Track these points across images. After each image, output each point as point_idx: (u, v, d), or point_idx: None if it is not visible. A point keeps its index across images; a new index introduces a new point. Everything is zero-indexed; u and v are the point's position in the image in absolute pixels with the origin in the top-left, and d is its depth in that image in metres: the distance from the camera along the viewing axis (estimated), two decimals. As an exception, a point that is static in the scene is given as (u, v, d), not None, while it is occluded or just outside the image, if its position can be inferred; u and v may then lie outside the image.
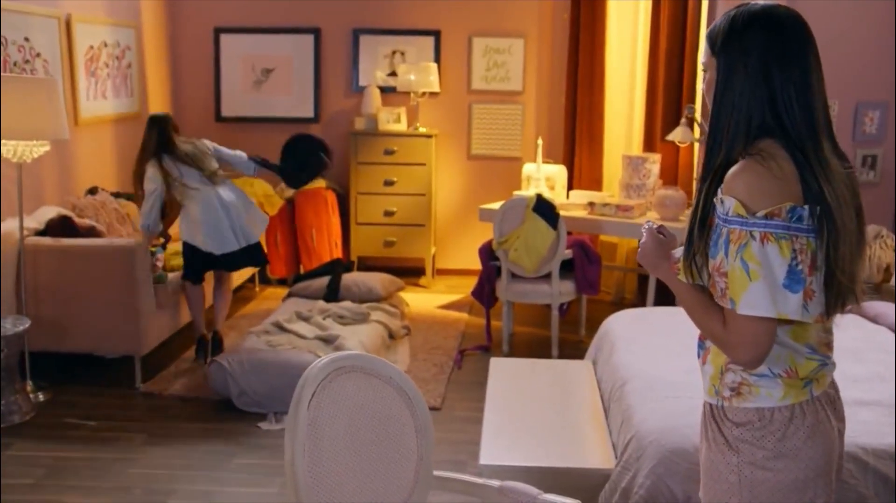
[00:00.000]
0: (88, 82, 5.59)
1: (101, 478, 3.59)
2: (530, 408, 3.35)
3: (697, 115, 5.52)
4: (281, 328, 4.71)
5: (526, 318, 5.88)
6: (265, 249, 5.34)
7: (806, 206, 1.59)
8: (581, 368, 3.83)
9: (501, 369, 3.77)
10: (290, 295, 5.64)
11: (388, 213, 6.62)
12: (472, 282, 5.74)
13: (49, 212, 4.75)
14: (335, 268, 5.79)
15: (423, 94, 6.62)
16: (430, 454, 2.24)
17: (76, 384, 4.60)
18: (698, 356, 1.83)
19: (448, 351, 5.22)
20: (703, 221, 1.69)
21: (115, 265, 4.45)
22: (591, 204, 5.56)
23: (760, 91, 1.65)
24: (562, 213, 5.13)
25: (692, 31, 5.89)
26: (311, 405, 2.00)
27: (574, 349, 5.20)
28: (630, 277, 6.39)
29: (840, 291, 1.66)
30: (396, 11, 6.84)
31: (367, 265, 6.73)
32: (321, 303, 5.18)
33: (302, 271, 6.34)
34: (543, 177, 5.93)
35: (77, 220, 4.69)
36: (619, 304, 6.15)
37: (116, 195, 5.50)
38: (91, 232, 4.66)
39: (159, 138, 4.73)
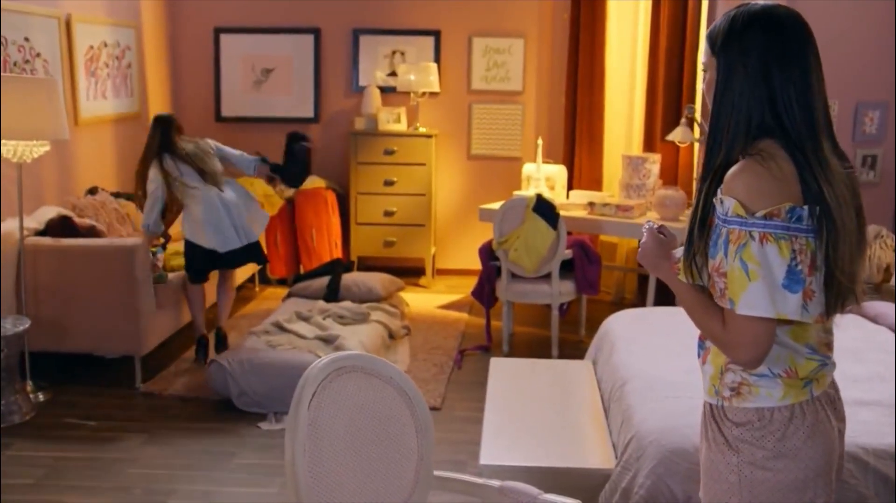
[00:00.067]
0: (88, 82, 5.60)
1: (101, 478, 3.59)
2: (530, 408, 3.35)
3: (697, 115, 5.52)
4: (281, 328, 4.71)
5: (526, 318, 5.88)
6: (265, 249, 5.36)
7: (805, 207, 1.59)
8: (581, 368, 3.83)
9: (501, 369, 3.77)
10: (290, 295, 5.64)
11: (388, 213, 6.62)
12: (472, 282, 5.74)
13: (49, 212, 4.76)
14: (335, 269, 5.79)
15: (423, 94, 6.62)
16: (430, 454, 2.24)
17: (76, 384, 4.60)
18: (698, 356, 1.83)
19: (448, 351, 5.22)
20: (703, 221, 1.69)
21: (115, 265, 4.45)
22: (591, 204, 5.56)
23: (760, 91, 1.65)
24: (562, 213, 5.13)
25: (692, 31, 5.89)
26: (312, 405, 2.01)
27: (574, 349, 5.20)
28: (630, 277, 6.39)
29: (840, 291, 1.66)
30: (396, 11, 6.84)
31: (367, 265, 6.73)
32: (321, 304, 5.19)
33: (302, 271, 6.34)
34: (543, 177, 5.93)
35: (77, 219, 4.69)
36: (619, 304, 6.15)
37: (116, 195, 5.50)
38: (91, 232, 4.66)
39: (162, 138, 4.77)
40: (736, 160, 1.66)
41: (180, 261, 5.02)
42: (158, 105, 6.64)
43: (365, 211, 6.64)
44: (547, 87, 6.66)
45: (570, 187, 6.23)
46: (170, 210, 4.98)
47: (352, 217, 6.66)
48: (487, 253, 5.26)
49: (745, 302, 1.58)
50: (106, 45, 5.82)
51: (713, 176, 1.68)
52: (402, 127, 6.64)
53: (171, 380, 4.68)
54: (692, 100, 5.87)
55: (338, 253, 6.43)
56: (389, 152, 6.56)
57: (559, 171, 6.05)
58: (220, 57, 6.98)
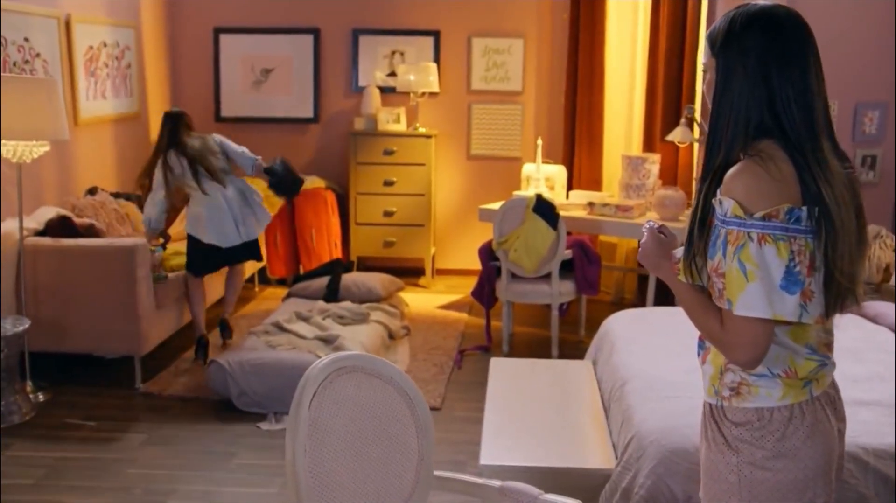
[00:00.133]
0: (88, 82, 5.59)
1: (101, 479, 3.59)
2: (530, 409, 3.35)
3: (697, 115, 5.52)
4: (281, 328, 4.71)
5: (526, 318, 5.88)
6: (265, 249, 5.38)
7: (804, 208, 1.60)
8: (581, 368, 3.84)
9: (501, 369, 3.77)
10: (289, 295, 5.64)
11: (388, 214, 6.62)
12: (471, 282, 5.74)
13: (49, 212, 4.76)
14: (335, 269, 5.79)
15: (423, 94, 6.62)
16: (430, 454, 2.24)
17: (76, 384, 4.60)
18: (698, 356, 1.83)
19: (448, 351, 5.22)
20: (703, 222, 1.69)
21: (115, 265, 4.45)
22: (591, 204, 5.56)
23: (759, 92, 1.65)
24: (561, 213, 5.13)
25: (692, 31, 5.89)
26: (312, 405, 2.01)
27: (574, 349, 5.20)
28: (630, 277, 6.39)
29: (839, 292, 1.66)
30: (396, 11, 6.84)
31: (366, 265, 6.73)
32: (321, 304, 5.19)
33: (301, 271, 6.34)
34: (543, 177, 5.93)
35: (76, 219, 4.69)
36: (619, 304, 6.15)
37: (116, 195, 5.50)
38: (91, 231, 4.66)
39: (169, 135, 4.86)
40: (735, 161, 1.66)
41: (180, 260, 5.03)
42: (158, 105, 6.64)
43: (364, 211, 6.64)
44: (546, 88, 6.66)
45: (569, 187, 6.23)
46: (172, 206, 5.03)
47: (351, 217, 6.65)
48: (487, 253, 5.26)
49: (743, 303, 1.58)
50: (105, 45, 5.82)
51: (713, 176, 1.68)
52: (401, 127, 6.64)
53: (170, 380, 4.68)
54: (692, 100, 5.86)
55: (337, 253, 6.43)
56: (389, 152, 6.56)
57: (559, 171, 6.05)
58: (219, 57, 6.98)
